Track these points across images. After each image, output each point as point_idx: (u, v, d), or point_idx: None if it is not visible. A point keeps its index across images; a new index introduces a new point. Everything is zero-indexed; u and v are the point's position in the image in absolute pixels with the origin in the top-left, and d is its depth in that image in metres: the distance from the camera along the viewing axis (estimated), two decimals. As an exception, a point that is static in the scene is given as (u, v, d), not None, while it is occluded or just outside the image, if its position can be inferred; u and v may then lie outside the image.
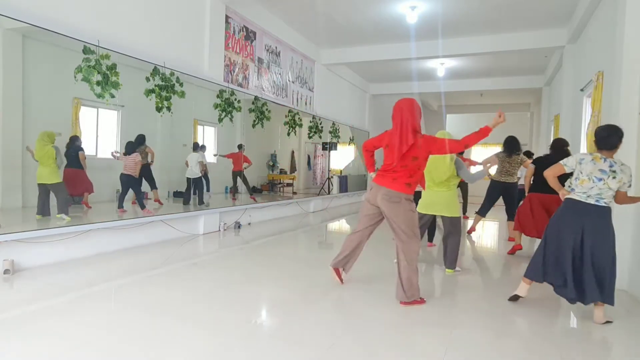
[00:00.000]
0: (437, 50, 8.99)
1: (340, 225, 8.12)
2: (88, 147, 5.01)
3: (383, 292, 3.52)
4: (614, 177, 2.90)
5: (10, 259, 3.68)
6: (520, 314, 3.19)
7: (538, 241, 3.98)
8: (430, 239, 5.73)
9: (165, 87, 5.43)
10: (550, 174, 3.16)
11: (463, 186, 8.87)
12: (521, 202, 5.30)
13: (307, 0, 7.21)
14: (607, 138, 2.96)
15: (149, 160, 5.67)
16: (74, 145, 4.75)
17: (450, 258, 4.28)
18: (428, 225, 4.58)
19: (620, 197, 3.00)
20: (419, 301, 3.25)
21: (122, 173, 5.25)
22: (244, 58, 7.46)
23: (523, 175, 6.13)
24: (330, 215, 9.19)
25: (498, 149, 6.09)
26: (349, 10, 7.57)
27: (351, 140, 12.43)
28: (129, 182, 5.28)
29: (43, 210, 4.39)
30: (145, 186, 5.72)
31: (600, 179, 2.91)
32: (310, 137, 10.04)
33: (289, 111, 8.89)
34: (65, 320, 2.75)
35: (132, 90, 5.20)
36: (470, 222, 7.27)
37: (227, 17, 6.90)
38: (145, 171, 5.63)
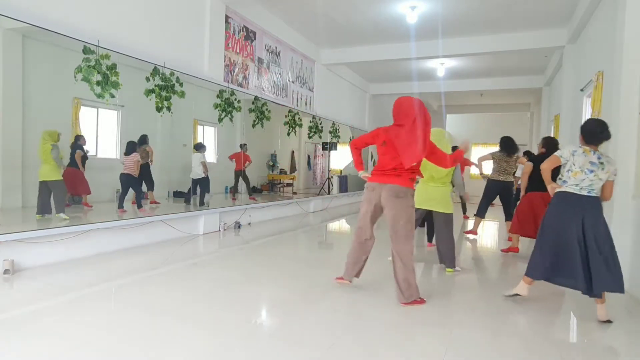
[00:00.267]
0: (437, 50, 8.99)
1: (340, 226, 8.12)
2: (88, 147, 5.00)
3: (383, 292, 3.52)
4: (602, 169, 3.02)
5: (10, 259, 3.68)
6: (520, 313, 3.19)
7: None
8: (430, 239, 5.73)
9: (165, 87, 5.43)
10: (547, 167, 3.20)
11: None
12: (518, 203, 5.30)
13: (307, 0, 7.21)
14: (601, 134, 3.06)
15: (149, 159, 5.68)
16: (75, 145, 4.78)
17: (449, 257, 4.28)
18: (420, 220, 4.57)
19: (608, 187, 3.09)
20: (419, 301, 3.25)
21: (122, 173, 5.26)
22: (244, 58, 7.46)
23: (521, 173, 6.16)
24: (330, 216, 9.19)
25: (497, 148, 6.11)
26: (349, 10, 7.57)
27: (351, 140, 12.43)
28: (128, 181, 5.30)
29: (44, 209, 4.41)
30: (144, 186, 5.73)
31: (591, 171, 3.02)
32: (310, 137, 10.04)
33: (289, 111, 8.89)
34: (65, 320, 2.75)
35: (132, 90, 5.20)
36: (470, 222, 7.27)
37: (227, 17, 6.90)
38: (145, 171, 5.63)
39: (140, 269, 4.18)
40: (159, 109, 5.40)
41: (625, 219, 3.86)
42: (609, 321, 3.03)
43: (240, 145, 7.57)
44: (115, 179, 5.30)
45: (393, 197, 3.18)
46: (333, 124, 10.95)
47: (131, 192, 5.42)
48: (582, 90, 6.33)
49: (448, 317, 3.07)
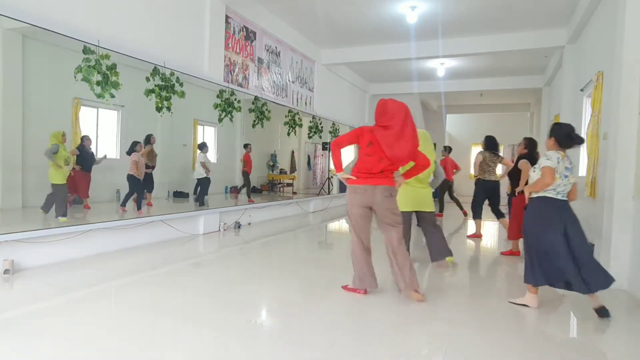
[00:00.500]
0: (437, 50, 8.99)
1: (340, 226, 8.12)
2: (93, 148, 5.02)
3: (383, 292, 3.52)
4: (572, 173, 3.11)
5: (10, 259, 3.68)
6: (520, 313, 3.19)
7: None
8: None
9: (165, 87, 5.43)
10: (549, 183, 3.07)
11: (443, 185, 8.76)
12: (511, 205, 5.23)
13: (307, 0, 7.21)
14: (578, 138, 3.11)
15: (153, 163, 5.69)
16: (79, 146, 4.80)
17: (444, 246, 4.32)
18: (409, 225, 4.51)
19: (575, 189, 3.16)
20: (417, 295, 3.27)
21: (128, 174, 5.29)
22: (244, 58, 7.46)
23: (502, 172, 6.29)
24: (330, 215, 9.19)
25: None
26: (349, 10, 7.57)
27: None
28: (128, 181, 5.29)
29: (46, 206, 4.42)
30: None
31: (566, 176, 3.08)
32: (310, 137, 10.04)
33: (289, 111, 8.89)
34: (65, 320, 2.75)
35: (132, 90, 5.20)
36: (470, 223, 7.25)
37: (227, 17, 6.90)
38: (148, 174, 5.64)
39: (140, 269, 4.18)
40: (159, 109, 5.40)
41: (625, 219, 3.85)
42: (604, 307, 3.03)
43: (245, 145, 7.58)
44: (115, 178, 5.31)
45: (388, 197, 3.30)
46: (333, 124, 10.96)
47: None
48: (582, 90, 6.33)
49: (448, 317, 3.07)
